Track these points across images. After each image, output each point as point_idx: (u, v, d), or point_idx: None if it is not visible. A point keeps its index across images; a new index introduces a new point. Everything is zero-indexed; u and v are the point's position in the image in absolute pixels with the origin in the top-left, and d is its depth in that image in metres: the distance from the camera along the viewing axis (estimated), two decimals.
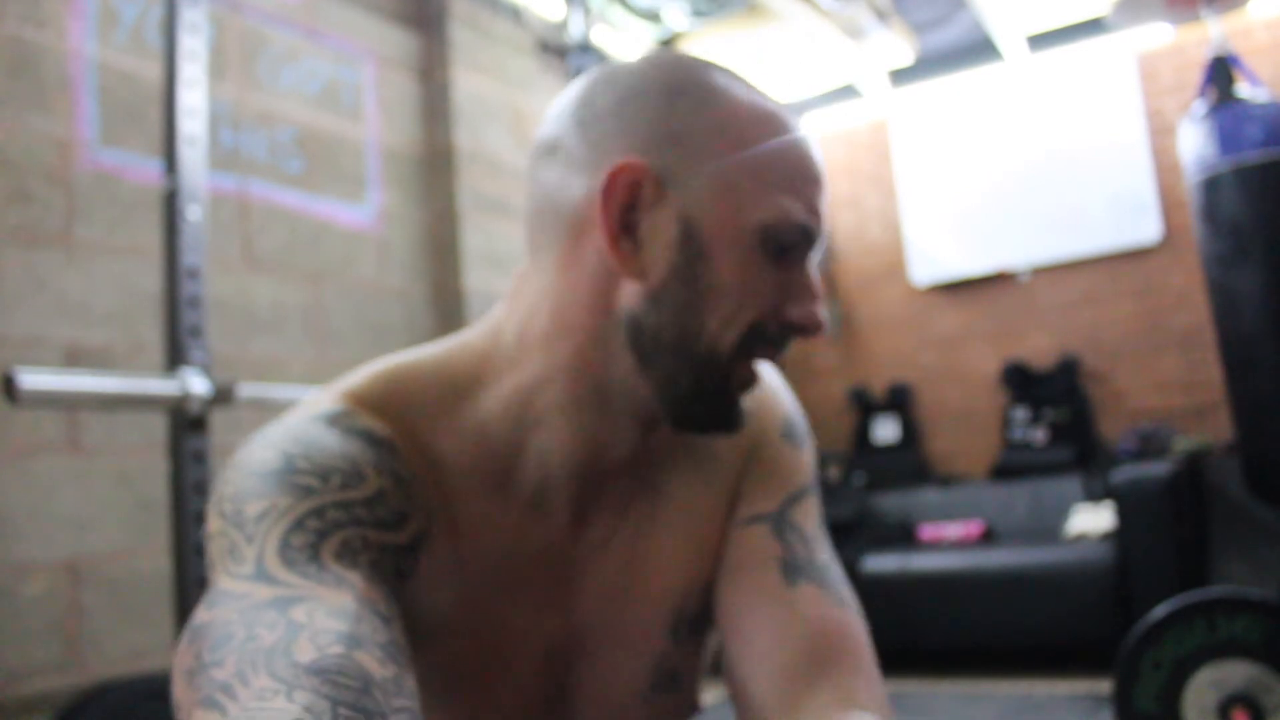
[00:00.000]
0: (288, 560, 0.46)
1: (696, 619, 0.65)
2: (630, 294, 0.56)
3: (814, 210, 0.58)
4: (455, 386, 0.59)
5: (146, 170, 2.09)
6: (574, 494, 0.61)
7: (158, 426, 1.99)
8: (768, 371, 0.69)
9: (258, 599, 0.44)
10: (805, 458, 0.69)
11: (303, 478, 0.50)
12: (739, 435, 0.66)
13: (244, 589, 0.45)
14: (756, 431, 0.68)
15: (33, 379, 1.38)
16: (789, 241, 0.57)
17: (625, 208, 0.55)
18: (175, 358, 1.59)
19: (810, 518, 0.66)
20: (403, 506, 0.53)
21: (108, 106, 2.05)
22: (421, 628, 0.57)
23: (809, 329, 0.58)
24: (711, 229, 0.56)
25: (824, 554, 0.65)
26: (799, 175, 0.58)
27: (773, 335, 0.58)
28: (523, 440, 0.59)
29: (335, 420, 0.54)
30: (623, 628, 0.63)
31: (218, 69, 2.27)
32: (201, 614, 0.45)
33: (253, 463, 0.51)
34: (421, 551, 0.54)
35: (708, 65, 0.59)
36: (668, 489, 0.65)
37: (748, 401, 0.64)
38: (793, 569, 0.62)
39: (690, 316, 0.56)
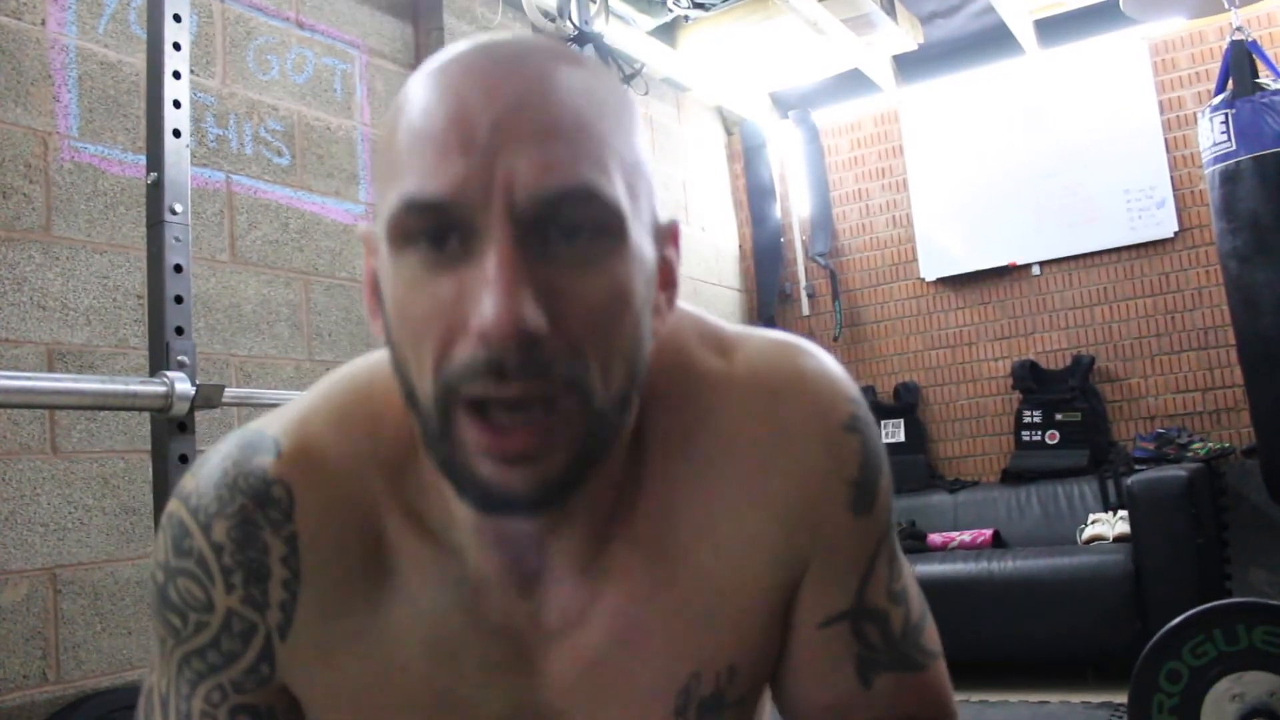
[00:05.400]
0: None
1: (711, 700, 0.56)
2: None
3: (451, 173, 0.43)
4: None
5: (129, 164, 2.04)
6: (499, 557, 0.53)
7: (141, 429, 1.94)
8: (830, 414, 0.56)
9: None
10: (878, 515, 0.58)
11: (172, 615, 0.56)
12: (790, 507, 0.55)
13: None
14: (818, 510, 0.56)
15: (11, 381, 1.35)
16: (412, 229, 0.45)
17: (371, 272, 0.51)
18: (159, 358, 1.56)
19: (882, 578, 0.58)
20: (252, 615, 0.55)
21: (89, 98, 2.01)
22: (340, 692, 0.56)
23: (485, 335, 0.43)
24: (379, 263, 0.49)
25: (899, 618, 0.58)
26: (428, 137, 0.44)
27: (473, 368, 0.44)
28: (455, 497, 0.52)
29: (239, 468, 0.55)
30: (615, 700, 0.56)
31: (202, 59, 2.23)
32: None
33: (157, 554, 0.57)
34: (283, 642, 0.55)
35: (440, 55, 0.48)
36: (682, 556, 0.55)
37: (803, 466, 0.55)
38: (869, 665, 0.57)
39: (402, 374, 0.48)
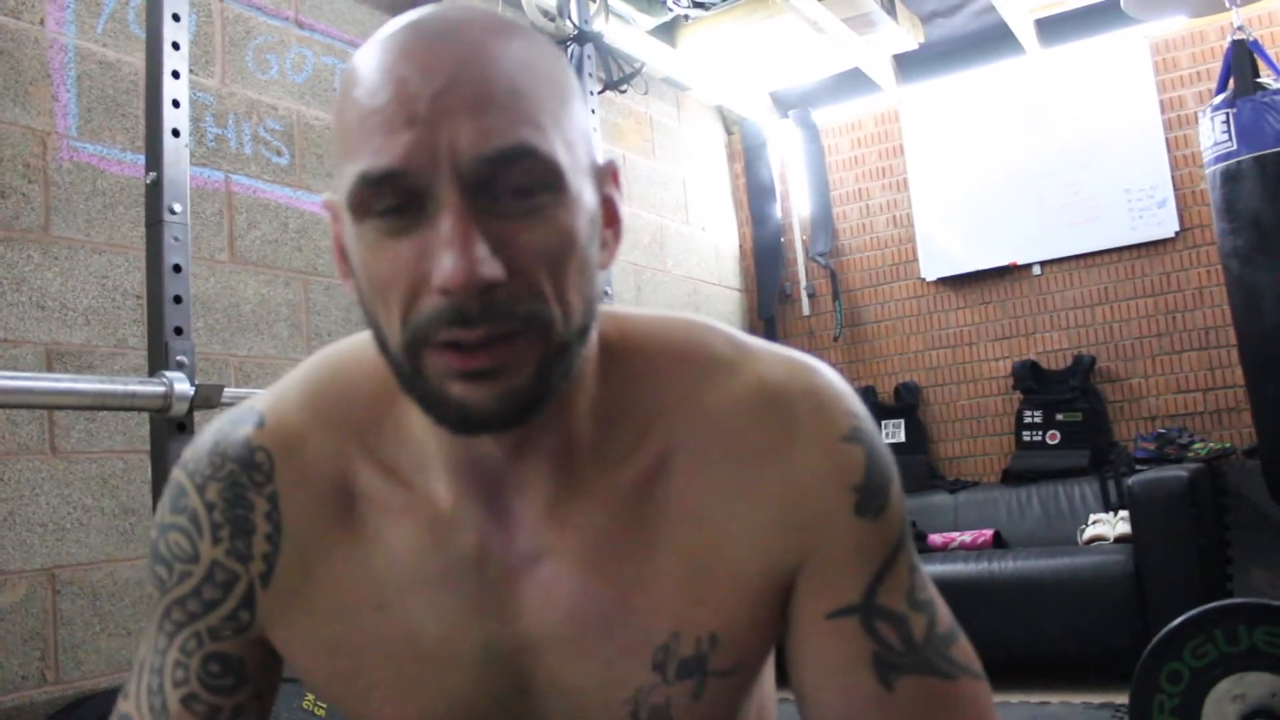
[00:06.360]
0: (141, 684, 0.62)
1: (693, 662, 0.59)
2: None
3: (399, 147, 0.47)
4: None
5: (128, 164, 2.03)
6: (471, 489, 0.58)
7: (140, 429, 1.94)
8: (832, 425, 0.59)
9: (122, 710, 0.62)
10: (888, 521, 0.59)
11: (160, 567, 0.62)
12: (785, 506, 0.58)
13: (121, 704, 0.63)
14: (816, 511, 0.58)
15: (9, 381, 1.34)
16: (371, 201, 0.49)
17: (338, 235, 0.56)
18: (158, 358, 1.56)
19: (900, 584, 0.59)
20: (235, 566, 0.60)
21: (87, 97, 2.00)
22: (319, 639, 0.61)
23: (447, 290, 0.47)
24: (344, 229, 0.53)
25: (921, 625, 0.58)
26: (375, 115, 0.48)
27: (440, 316, 0.48)
28: (428, 440, 0.58)
29: (226, 438, 0.62)
30: (592, 648, 0.58)
31: (201, 59, 2.22)
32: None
33: (157, 514, 0.64)
34: (265, 590, 0.61)
35: (379, 33, 0.52)
36: (662, 525, 0.58)
37: (803, 469, 0.57)
38: (888, 666, 0.57)
39: (374, 327, 0.53)
